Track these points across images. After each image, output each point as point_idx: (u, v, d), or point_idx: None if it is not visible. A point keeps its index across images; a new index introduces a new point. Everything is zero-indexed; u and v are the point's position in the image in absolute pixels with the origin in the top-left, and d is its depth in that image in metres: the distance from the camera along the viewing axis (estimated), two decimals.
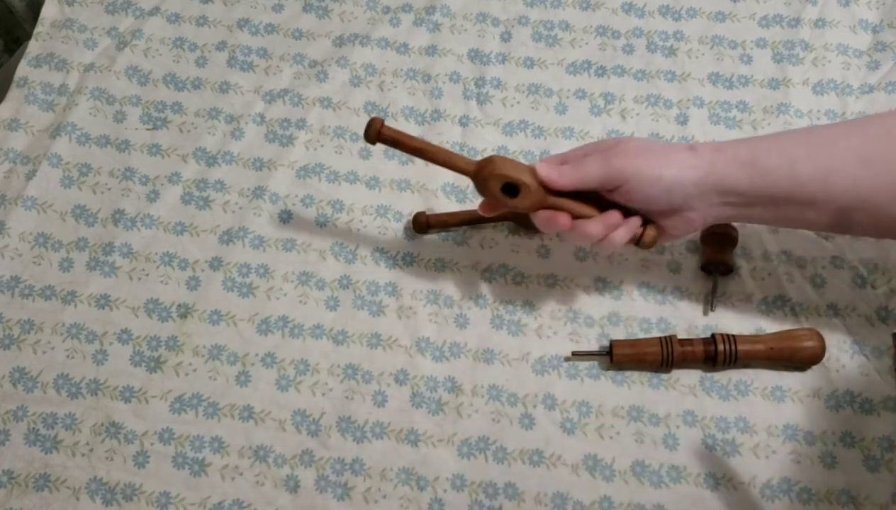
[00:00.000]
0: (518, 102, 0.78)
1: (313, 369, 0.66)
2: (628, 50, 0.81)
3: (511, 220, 0.72)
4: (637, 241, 0.59)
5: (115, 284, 0.70)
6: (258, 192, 0.74)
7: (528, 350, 0.66)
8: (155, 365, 0.66)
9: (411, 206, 0.73)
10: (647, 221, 0.59)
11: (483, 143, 0.76)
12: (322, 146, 0.76)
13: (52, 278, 0.70)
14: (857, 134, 0.56)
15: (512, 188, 0.57)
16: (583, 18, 0.83)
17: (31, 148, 0.77)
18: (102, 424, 0.64)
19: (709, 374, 0.65)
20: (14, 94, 0.79)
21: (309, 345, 0.67)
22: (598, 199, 0.58)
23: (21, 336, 0.67)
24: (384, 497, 0.61)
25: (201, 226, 0.72)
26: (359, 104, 0.79)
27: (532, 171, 0.57)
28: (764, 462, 0.61)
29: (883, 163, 0.54)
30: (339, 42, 0.82)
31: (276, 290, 0.69)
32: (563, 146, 0.76)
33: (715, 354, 0.63)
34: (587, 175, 0.56)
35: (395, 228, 0.72)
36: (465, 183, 0.74)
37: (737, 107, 0.77)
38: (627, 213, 0.58)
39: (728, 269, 0.67)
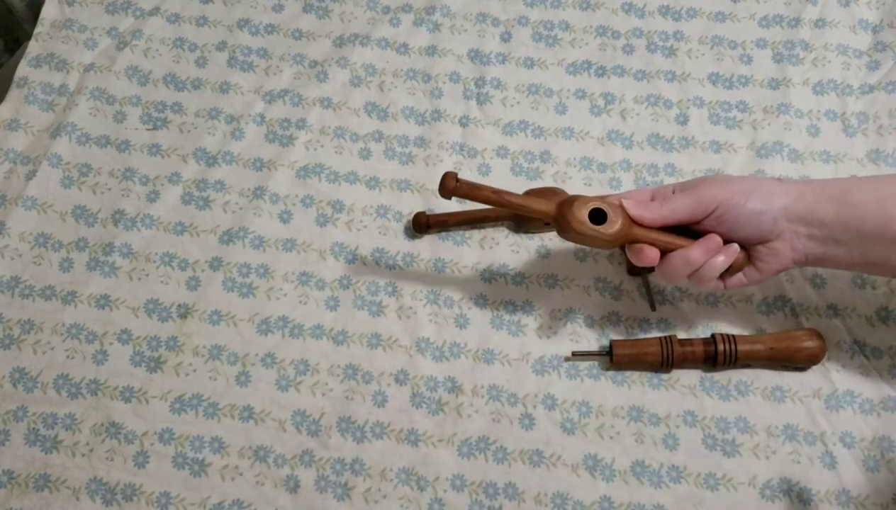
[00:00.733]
0: (518, 102, 0.78)
1: (313, 369, 0.66)
2: (628, 50, 0.81)
3: (511, 220, 0.72)
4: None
5: (115, 284, 0.70)
6: (258, 193, 0.74)
7: (529, 350, 0.66)
8: (155, 365, 0.66)
9: (411, 206, 0.73)
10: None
11: (483, 143, 0.76)
12: (322, 146, 0.76)
13: (52, 278, 0.70)
14: None
15: (599, 215, 0.56)
16: (583, 18, 0.83)
17: (32, 148, 0.77)
18: (102, 424, 0.64)
19: (709, 374, 0.65)
20: (14, 94, 0.80)
21: (309, 346, 0.67)
22: (684, 233, 0.58)
23: (21, 336, 0.67)
24: (384, 497, 0.61)
25: (201, 226, 0.72)
26: (359, 104, 0.79)
27: (614, 201, 0.57)
28: (764, 462, 0.61)
29: None
30: (340, 42, 0.82)
31: (277, 290, 0.69)
32: (564, 146, 0.76)
33: (715, 354, 0.63)
34: (677, 208, 0.57)
35: (395, 228, 0.72)
36: None
37: (737, 107, 0.77)
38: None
39: (651, 268, 0.67)
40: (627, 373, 0.65)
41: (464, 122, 0.77)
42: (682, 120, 0.77)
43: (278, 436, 0.63)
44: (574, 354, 0.66)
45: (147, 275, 0.70)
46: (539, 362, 0.66)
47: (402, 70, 0.80)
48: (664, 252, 0.57)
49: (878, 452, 0.61)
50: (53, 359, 0.66)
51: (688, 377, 0.65)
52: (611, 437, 0.63)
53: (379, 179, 0.75)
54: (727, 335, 0.63)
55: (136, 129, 0.78)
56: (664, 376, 0.65)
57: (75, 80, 0.80)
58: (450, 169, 0.75)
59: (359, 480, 0.62)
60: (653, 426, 0.63)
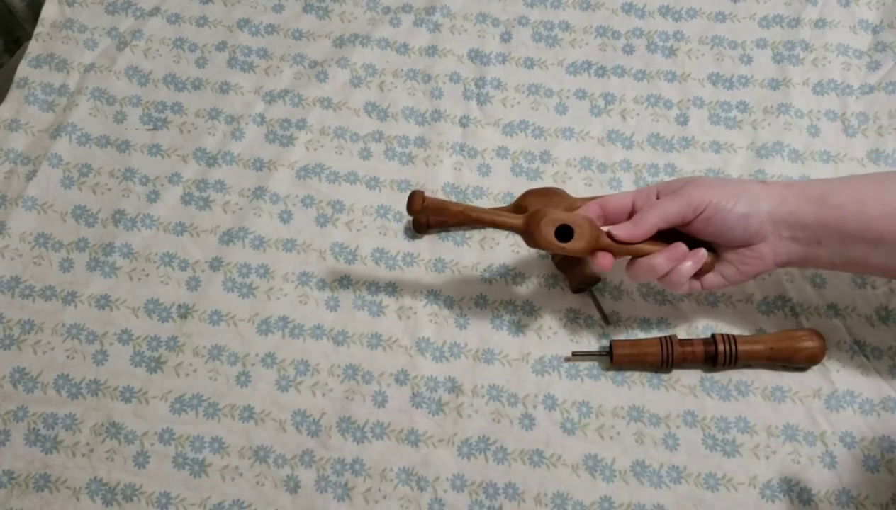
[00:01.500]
0: (518, 103, 0.78)
1: (313, 369, 0.66)
2: (628, 50, 0.81)
3: None
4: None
5: (115, 285, 0.70)
6: (258, 193, 0.74)
7: (529, 350, 0.66)
8: (155, 365, 0.66)
9: None
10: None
11: (483, 144, 0.76)
12: (322, 146, 0.76)
13: (52, 278, 0.70)
14: None
15: (565, 232, 0.56)
16: (583, 19, 0.83)
17: (32, 148, 0.77)
18: (103, 424, 0.64)
19: (709, 375, 0.65)
20: (14, 94, 0.80)
21: (309, 346, 0.67)
22: (661, 237, 0.58)
23: (21, 336, 0.67)
24: (384, 497, 0.61)
25: (201, 226, 0.73)
26: (359, 104, 0.79)
27: (582, 216, 0.57)
28: (764, 462, 0.61)
29: None
30: (340, 42, 0.82)
31: (277, 291, 0.69)
32: (564, 146, 0.76)
33: (715, 354, 0.63)
34: (667, 214, 0.57)
35: (395, 228, 0.72)
36: (466, 183, 0.74)
37: (737, 107, 0.77)
38: (692, 246, 0.58)
39: (595, 281, 0.67)
40: (627, 374, 0.65)
41: (464, 123, 0.77)
42: (683, 120, 0.77)
43: (278, 436, 0.63)
44: (574, 354, 0.66)
45: (147, 275, 0.70)
46: (539, 362, 0.66)
47: (402, 70, 0.80)
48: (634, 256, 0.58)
49: (878, 452, 0.61)
50: (53, 360, 0.66)
51: (688, 377, 0.65)
52: (611, 438, 0.63)
53: (379, 179, 0.75)
54: (727, 335, 0.63)
55: (137, 129, 0.78)
56: (664, 376, 0.65)
57: (75, 80, 0.80)
58: (450, 169, 0.75)
59: (359, 480, 0.62)
60: (653, 426, 0.63)
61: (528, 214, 0.58)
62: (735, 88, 0.78)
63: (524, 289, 0.69)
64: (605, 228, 0.58)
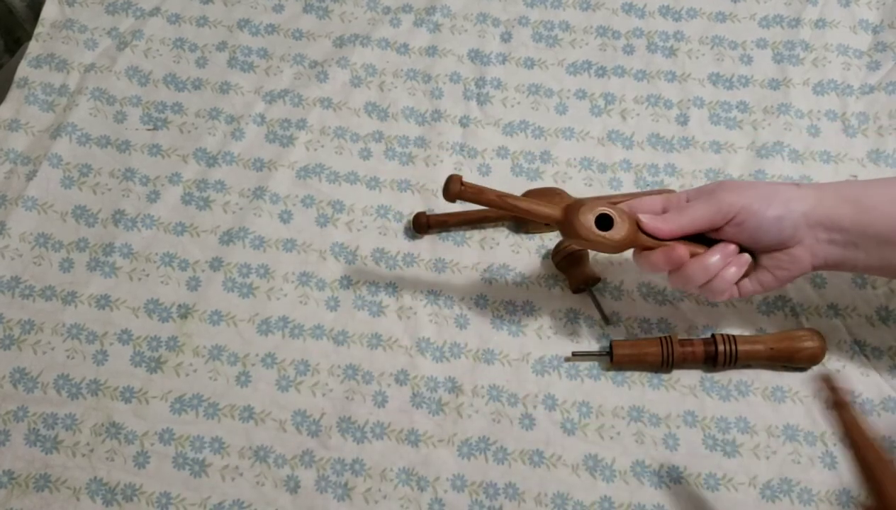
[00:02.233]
0: (518, 103, 0.78)
1: (313, 369, 0.66)
2: (628, 50, 0.81)
3: (511, 220, 0.72)
4: None
5: (115, 285, 0.70)
6: (258, 193, 0.74)
7: (529, 350, 0.66)
8: (155, 365, 0.66)
9: (411, 206, 0.73)
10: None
11: (483, 144, 0.76)
12: (322, 146, 0.76)
13: (52, 278, 0.70)
14: None
15: (605, 220, 0.55)
16: (583, 19, 0.83)
17: (32, 148, 0.77)
18: (103, 425, 0.64)
19: (709, 375, 0.65)
20: (14, 94, 0.80)
21: (309, 346, 0.67)
22: (694, 242, 0.57)
23: (21, 336, 0.67)
24: (384, 497, 0.61)
25: (201, 226, 0.73)
26: (359, 104, 0.79)
27: (620, 208, 0.56)
28: (764, 462, 0.61)
29: None
30: (340, 42, 0.82)
31: (277, 291, 0.69)
32: (564, 146, 0.76)
33: (715, 354, 0.63)
34: (696, 217, 0.56)
35: (396, 228, 0.72)
36: None
37: (737, 107, 0.77)
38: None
39: (595, 281, 0.67)
40: (627, 374, 0.65)
41: (464, 123, 0.77)
42: (683, 120, 0.77)
43: (278, 436, 0.63)
44: (574, 354, 0.66)
45: (147, 275, 0.70)
46: (539, 362, 0.66)
47: (402, 70, 0.80)
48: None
49: None
50: (54, 360, 0.66)
51: (688, 377, 0.65)
52: (611, 438, 0.63)
53: (379, 180, 0.75)
54: (727, 335, 0.63)
55: (137, 129, 0.78)
56: (664, 376, 0.65)
57: (76, 80, 0.80)
58: (450, 169, 0.75)
59: (359, 480, 0.62)
60: (653, 426, 0.63)
61: (565, 205, 0.56)
62: (735, 88, 0.78)
63: (524, 289, 0.69)
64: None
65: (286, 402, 0.65)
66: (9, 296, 0.69)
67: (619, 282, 0.69)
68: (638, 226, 0.56)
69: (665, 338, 0.64)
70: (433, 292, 0.69)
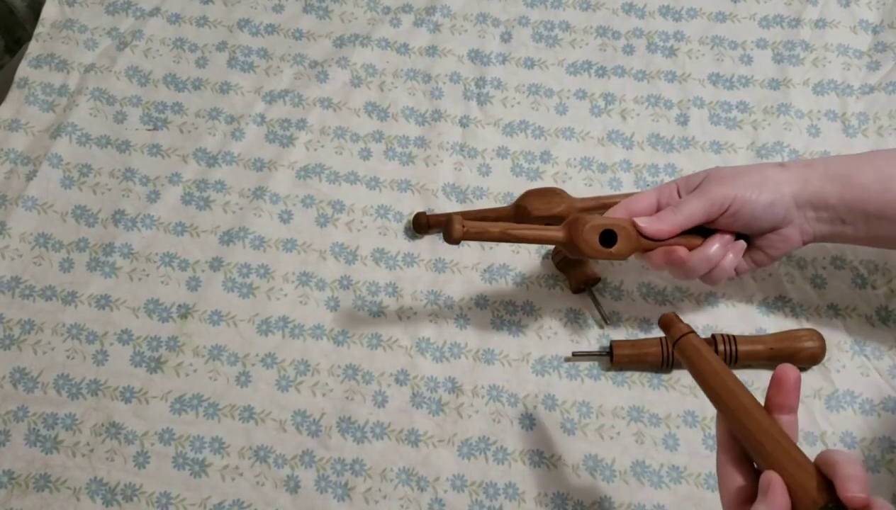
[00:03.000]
0: (518, 103, 0.78)
1: (313, 369, 0.66)
2: (629, 50, 0.81)
3: (512, 221, 0.71)
4: None
5: (115, 285, 0.70)
6: (258, 193, 0.74)
7: (529, 350, 0.66)
8: (155, 365, 0.66)
9: (411, 206, 0.73)
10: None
11: (483, 144, 0.76)
12: (322, 147, 0.76)
13: (52, 279, 0.70)
14: None
15: (609, 237, 0.56)
16: (583, 19, 0.83)
17: (32, 148, 0.77)
18: (103, 425, 0.64)
19: None
20: (15, 94, 0.80)
21: (309, 346, 0.67)
22: (686, 231, 0.58)
23: (21, 336, 0.67)
24: (385, 497, 0.61)
25: (201, 226, 0.73)
26: (359, 104, 0.79)
27: (621, 218, 0.57)
28: None
29: None
30: (340, 42, 0.82)
31: (277, 291, 0.69)
32: (564, 146, 0.76)
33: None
34: (692, 213, 0.57)
35: (396, 229, 0.72)
36: (466, 183, 0.74)
37: (737, 107, 0.77)
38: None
39: (596, 280, 0.67)
40: (627, 374, 0.65)
41: (464, 123, 0.77)
42: (683, 120, 0.77)
43: (278, 436, 0.63)
44: (574, 355, 0.66)
45: (147, 275, 0.70)
46: (539, 362, 0.66)
47: (402, 70, 0.80)
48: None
49: (879, 452, 0.61)
50: (54, 360, 0.66)
51: (688, 377, 0.65)
52: (611, 438, 0.63)
53: (379, 180, 0.75)
54: (727, 335, 0.63)
55: (137, 129, 0.78)
56: (664, 376, 0.65)
57: (76, 80, 0.80)
58: (450, 169, 0.75)
59: (359, 480, 0.62)
60: (653, 426, 0.63)
61: (567, 223, 0.57)
62: (735, 88, 0.78)
63: (524, 289, 0.69)
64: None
65: (286, 402, 0.65)
66: (9, 297, 0.69)
67: (619, 282, 0.69)
68: (634, 225, 0.57)
69: (665, 338, 0.64)
70: (433, 292, 0.69)
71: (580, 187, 0.74)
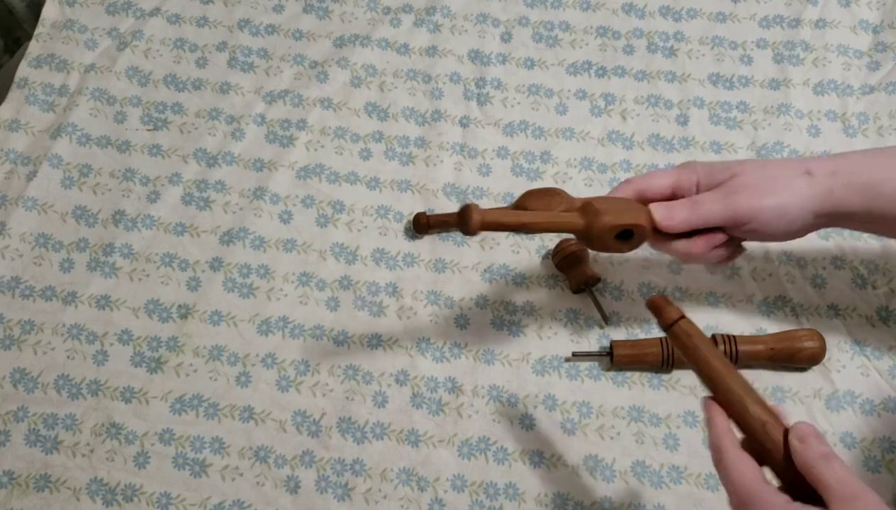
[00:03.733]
0: (518, 103, 0.78)
1: (313, 370, 0.66)
2: (629, 50, 0.81)
3: None
4: None
5: (115, 285, 0.70)
6: (259, 193, 0.74)
7: (529, 350, 0.66)
8: (155, 365, 0.66)
9: (411, 206, 0.73)
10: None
11: (483, 144, 0.76)
12: (322, 147, 0.76)
13: (52, 279, 0.70)
14: None
15: (625, 233, 0.55)
16: (583, 19, 0.83)
17: (32, 148, 0.77)
18: (103, 425, 0.64)
19: None
20: (15, 94, 0.80)
21: (309, 346, 0.67)
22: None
23: (21, 336, 0.67)
24: (385, 497, 0.61)
25: (202, 226, 0.73)
26: (359, 105, 0.79)
27: (638, 208, 0.56)
28: None
29: None
30: (340, 43, 0.82)
31: (277, 291, 0.69)
32: (564, 147, 0.76)
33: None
34: (708, 218, 0.55)
35: (396, 229, 0.72)
36: (466, 183, 0.74)
37: (737, 107, 0.77)
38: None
39: (596, 280, 0.67)
40: (628, 374, 0.65)
41: (464, 123, 0.77)
42: (683, 120, 0.77)
43: (278, 436, 0.63)
44: (574, 355, 0.66)
45: (147, 275, 0.70)
46: (539, 363, 0.66)
47: (402, 70, 0.80)
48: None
49: (879, 452, 0.61)
50: (54, 360, 0.66)
51: (688, 377, 0.65)
52: (611, 438, 0.63)
53: (379, 180, 0.75)
54: (727, 335, 0.63)
55: (137, 129, 0.78)
56: (664, 377, 0.65)
57: (76, 80, 0.80)
58: (450, 169, 0.75)
59: (359, 481, 0.62)
60: (653, 426, 0.63)
61: (583, 211, 0.55)
62: (735, 89, 0.78)
63: (524, 289, 0.69)
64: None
65: (286, 403, 0.65)
66: (9, 297, 0.69)
67: (619, 282, 0.69)
68: (649, 217, 0.56)
69: (665, 338, 0.64)
70: (433, 292, 0.69)
71: (580, 187, 0.74)
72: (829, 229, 0.70)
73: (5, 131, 0.77)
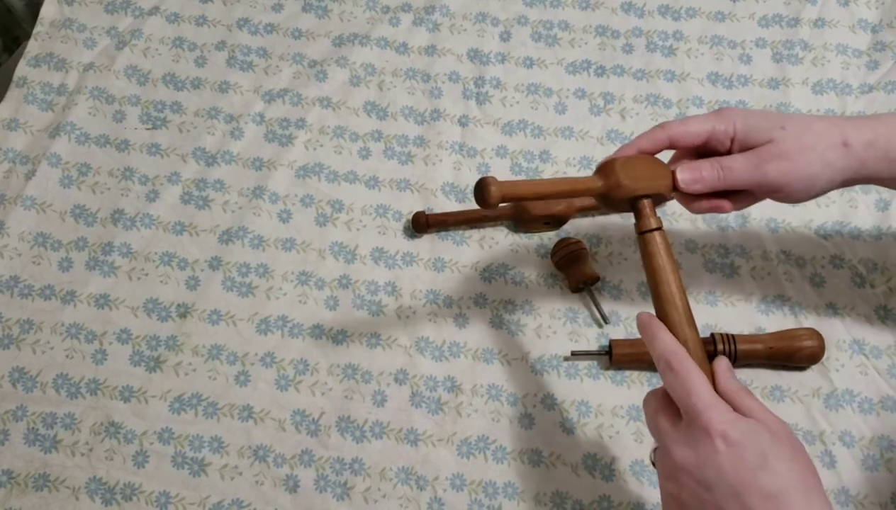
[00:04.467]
0: (517, 102, 0.78)
1: (313, 369, 0.66)
2: (628, 49, 0.81)
3: (510, 220, 0.72)
4: None
5: (114, 284, 0.70)
6: (258, 192, 0.74)
7: (528, 350, 0.66)
8: (154, 364, 0.66)
9: (411, 205, 0.73)
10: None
11: (482, 143, 0.76)
12: (321, 146, 0.76)
13: (51, 278, 0.70)
14: None
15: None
16: (582, 18, 0.83)
17: (31, 148, 0.77)
18: (102, 424, 0.64)
19: None
20: (13, 93, 0.79)
21: (308, 345, 0.67)
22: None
23: (20, 336, 0.67)
24: (384, 496, 0.61)
25: (201, 225, 0.72)
26: (358, 104, 0.79)
27: (659, 171, 0.54)
28: None
29: None
30: (339, 42, 0.82)
31: (276, 290, 0.69)
32: (563, 146, 0.76)
33: (714, 354, 0.63)
34: (737, 184, 0.53)
35: (395, 228, 0.72)
36: (465, 182, 0.74)
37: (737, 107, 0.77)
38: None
39: (595, 280, 0.67)
40: (627, 373, 0.65)
41: (463, 122, 0.77)
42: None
43: (278, 435, 0.63)
44: (573, 354, 0.66)
45: (146, 274, 0.70)
46: (538, 362, 0.66)
47: (401, 70, 0.80)
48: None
49: (878, 451, 0.61)
50: (53, 359, 0.66)
51: None
52: (610, 437, 0.63)
53: (378, 179, 0.75)
54: (727, 334, 0.63)
55: (136, 128, 0.78)
56: None
57: (74, 79, 0.80)
58: (449, 168, 0.75)
59: (358, 480, 0.62)
60: None
61: (605, 172, 0.54)
62: (734, 88, 0.78)
63: (524, 289, 0.69)
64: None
65: (285, 402, 0.65)
66: (8, 296, 0.69)
67: (619, 281, 0.69)
68: (672, 177, 0.54)
69: None
70: (433, 292, 0.69)
71: None
72: (829, 229, 0.70)
73: (4, 130, 0.77)
